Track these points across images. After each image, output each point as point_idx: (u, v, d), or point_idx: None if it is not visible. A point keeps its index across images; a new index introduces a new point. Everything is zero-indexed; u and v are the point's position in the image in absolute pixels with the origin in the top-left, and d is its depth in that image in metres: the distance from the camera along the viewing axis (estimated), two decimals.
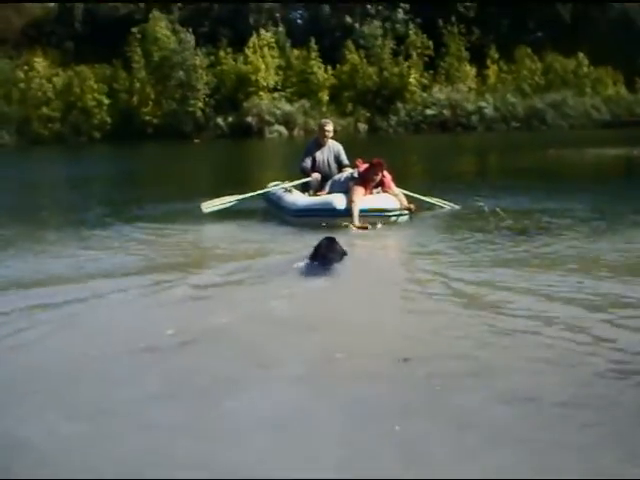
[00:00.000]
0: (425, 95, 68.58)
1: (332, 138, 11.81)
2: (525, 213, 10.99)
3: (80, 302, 6.34)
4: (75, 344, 5.17)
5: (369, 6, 73.05)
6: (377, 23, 71.70)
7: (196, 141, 60.92)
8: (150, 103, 68.84)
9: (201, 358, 4.81)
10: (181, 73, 68.30)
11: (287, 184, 11.65)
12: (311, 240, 8.14)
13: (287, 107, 67.47)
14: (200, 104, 68.44)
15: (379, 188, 10.71)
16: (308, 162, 11.44)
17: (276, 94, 69.16)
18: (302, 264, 7.38)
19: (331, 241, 8.30)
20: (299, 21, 78.86)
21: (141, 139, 62.76)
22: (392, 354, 4.67)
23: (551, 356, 4.60)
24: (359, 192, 10.33)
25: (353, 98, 69.22)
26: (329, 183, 11.05)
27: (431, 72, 70.77)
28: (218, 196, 11.68)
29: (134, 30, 69.67)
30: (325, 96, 69.27)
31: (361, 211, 10.19)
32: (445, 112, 67.14)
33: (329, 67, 70.43)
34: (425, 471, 3.23)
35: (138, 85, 69.46)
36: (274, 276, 7.24)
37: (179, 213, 12.29)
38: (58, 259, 8.49)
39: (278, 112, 66.75)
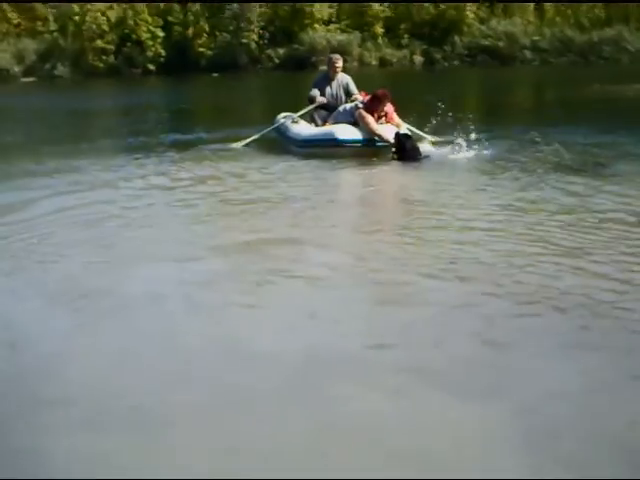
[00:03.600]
0: (482, 28, 67.30)
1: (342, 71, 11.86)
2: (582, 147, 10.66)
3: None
4: None
5: None
6: None
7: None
8: (204, 35, 68.41)
9: None
10: (235, 5, 67.70)
11: (294, 114, 11.73)
12: None
13: (341, 38, 66.63)
14: (254, 36, 67.90)
15: (383, 119, 10.61)
16: (315, 91, 11.48)
17: (331, 26, 68.32)
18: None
19: (409, 138, 8.77)
20: None
21: (195, 71, 62.76)
22: None
23: None
24: (371, 118, 10.31)
25: (409, 30, 68.13)
26: (334, 114, 11.07)
27: (488, 5, 69.41)
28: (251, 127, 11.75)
29: None
30: (380, 28, 68.19)
31: (362, 141, 10.24)
32: (501, 44, 65.90)
33: None
34: None
35: (192, 18, 69.06)
36: None
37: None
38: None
39: (332, 43, 66.09)
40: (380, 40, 67.58)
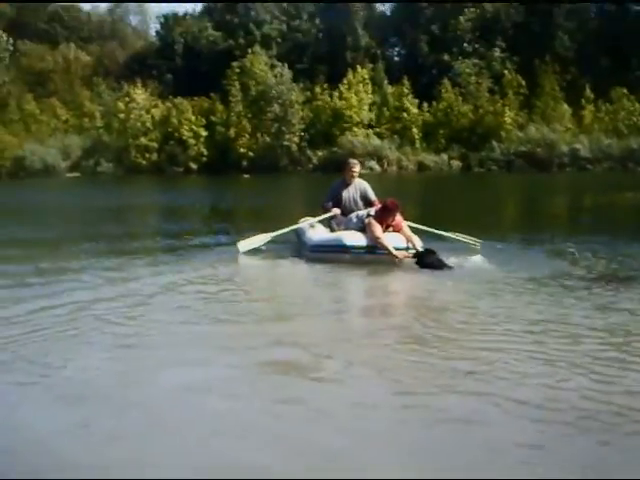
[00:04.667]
0: (520, 134, 67.97)
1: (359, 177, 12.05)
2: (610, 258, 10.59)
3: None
4: None
5: (466, 44, 73.13)
6: (472, 61, 71.83)
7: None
8: (246, 136, 69.94)
9: None
10: (277, 107, 69.09)
11: (311, 219, 11.88)
12: None
13: (380, 143, 67.71)
14: (295, 138, 69.25)
15: (390, 228, 10.79)
16: (329, 204, 11.66)
17: (370, 130, 69.51)
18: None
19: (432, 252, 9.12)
20: (396, 58, 79.30)
21: (237, 171, 63.76)
22: None
23: None
24: (379, 228, 10.53)
25: (447, 135, 69.13)
26: (345, 220, 11.27)
27: (526, 111, 70.31)
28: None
29: (234, 64, 71.32)
30: (418, 132, 69.23)
31: (368, 248, 10.50)
32: (540, 151, 66.42)
33: (425, 104, 70.57)
34: None
35: (235, 118, 70.74)
36: None
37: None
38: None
39: (371, 147, 67.02)
40: (418, 144, 68.41)
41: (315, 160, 68.16)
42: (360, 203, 11.68)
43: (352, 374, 5.36)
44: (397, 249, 10.41)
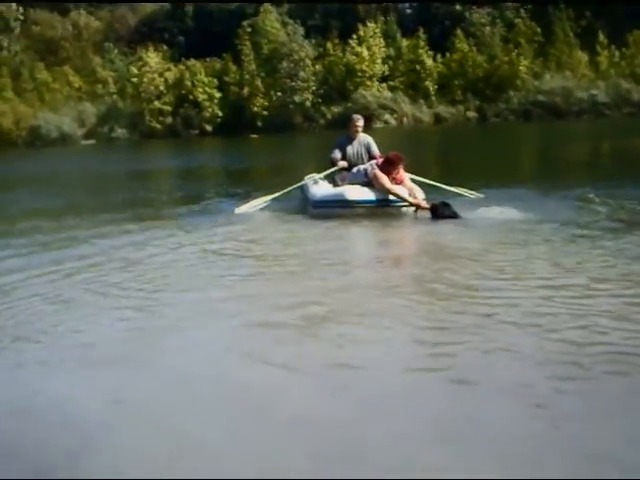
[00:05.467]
0: (536, 83, 67.33)
1: (362, 131, 12.05)
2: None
3: None
4: None
5: None
6: (485, 10, 71.16)
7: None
8: (260, 95, 69.73)
9: None
10: (290, 65, 68.74)
11: (316, 175, 11.90)
12: None
13: (396, 96, 67.30)
14: (309, 95, 68.89)
15: (393, 181, 10.72)
16: (337, 153, 11.73)
17: (384, 84, 69.08)
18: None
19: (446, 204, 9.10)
20: (408, 10, 78.65)
21: (251, 131, 63.59)
22: None
23: None
24: (386, 178, 10.46)
25: (462, 86, 68.62)
26: (349, 175, 11.24)
27: (541, 59, 69.57)
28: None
29: (244, 24, 70.94)
30: (434, 85, 68.81)
31: (375, 202, 10.42)
32: (557, 99, 65.77)
33: (439, 55, 70.05)
34: None
35: (248, 78, 70.47)
36: None
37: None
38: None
39: (385, 101, 66.67)
40: (433, 97, 67.99)
41: (329, 116, 67.85)
42: (365, 157, 11.75)
43: (367, 326, 5.27)
44: (397, 200, 10.40)
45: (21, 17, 78.08)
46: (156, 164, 32.57)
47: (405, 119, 66.87)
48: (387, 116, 66.08)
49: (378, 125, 64.40)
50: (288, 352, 4.82)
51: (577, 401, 3.82)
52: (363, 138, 11.80)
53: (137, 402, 4.15)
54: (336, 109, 67.40)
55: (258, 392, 4.15)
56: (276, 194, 11.87)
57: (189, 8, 78.54)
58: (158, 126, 70.86)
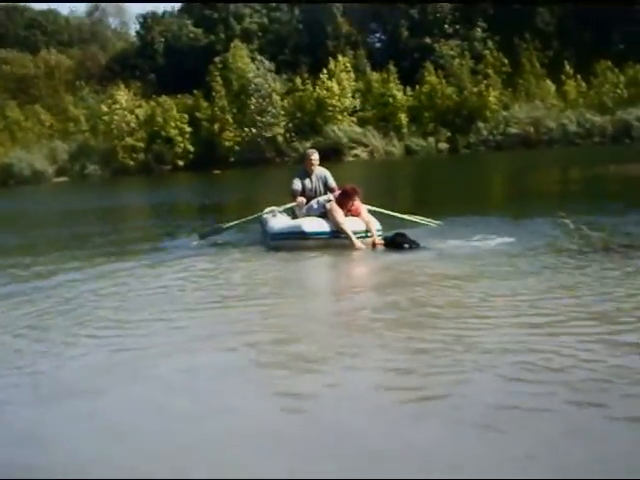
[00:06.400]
0: (506, 113, 67.89)
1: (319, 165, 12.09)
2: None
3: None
4: None
5: (447, 26, 73.25)
6: (453, 43, 71.92)
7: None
8: (231, 130, 69.85)
9: None
10: (259, 100, 69.04)
11: (276, 208, 11.96)
12: None
13: (366, 130, 67.68)
14: (280, 130, 69.10)
15: (350, 213, 10.86)
16: (298, 184, 11.69)
17: (355, 117, 69.48)
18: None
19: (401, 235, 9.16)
20: (377, 44, 79.32)
21: (224, 166, 63.65)
22: None
23: None
24: (340, 213, 10.60)
25: (433, 118, 69.05)
26: (306, 207, 11.33)
27: (510, 90, 70.22)
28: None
29: (216, 60, 71.32)
30: (404, 118, 69.18)
31: (329, 234, 10.55)
32: (526, 129, 66.34)
33: (408, 88, 70.53)
34: None
35: (219, 113, 70.66)
36: None
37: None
38: None
39: (357, 135, 67.04)
40: (405, 130, 68.40)
41: (301, 150, 67.99)
42: (322, 191, 11.77)
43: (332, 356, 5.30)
44: (356, 233, 10.48)
45: None
46: (124, 200, 32.66)
47: (376, 152, 67.16)
48: (358, 150, 66.36)
49: (350, 159, 64.73)
50: (251, 377, 4.89)
51: (551, 425, 3.85)
52: (320, 172, 11.84)
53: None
54: (307, 143, 67.40)
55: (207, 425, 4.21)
56: (233, 222, 12.01)
57: (159, 45, 78.87)
58: (131, 162, 70.68)
